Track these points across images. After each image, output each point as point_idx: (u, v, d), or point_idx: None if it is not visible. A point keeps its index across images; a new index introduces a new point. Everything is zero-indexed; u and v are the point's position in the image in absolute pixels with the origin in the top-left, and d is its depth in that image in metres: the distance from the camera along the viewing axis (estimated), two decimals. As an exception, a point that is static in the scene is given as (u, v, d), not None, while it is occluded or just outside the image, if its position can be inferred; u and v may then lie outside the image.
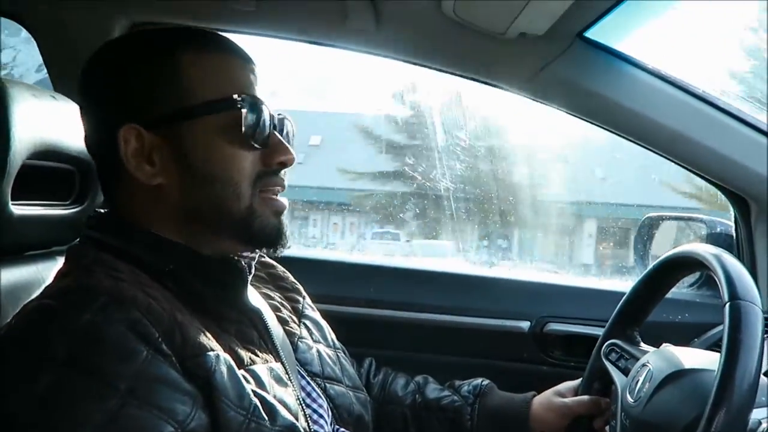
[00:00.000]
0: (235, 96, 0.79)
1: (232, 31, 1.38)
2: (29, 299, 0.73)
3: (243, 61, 0.84)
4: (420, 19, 1.28)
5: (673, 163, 1.36)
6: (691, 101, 1.28)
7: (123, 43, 0.88)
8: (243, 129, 0.78)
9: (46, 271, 0.96)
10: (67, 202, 1.02)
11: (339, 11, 1.27)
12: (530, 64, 1.31)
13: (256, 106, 0.80)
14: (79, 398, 0.62)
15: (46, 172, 0.95)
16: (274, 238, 0.84)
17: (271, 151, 0.82)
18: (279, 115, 0.86)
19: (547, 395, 1.15)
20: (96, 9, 1.38)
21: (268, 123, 0.81)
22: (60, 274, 0.79)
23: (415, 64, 1.44)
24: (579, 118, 1.39)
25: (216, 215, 0.80)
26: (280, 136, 0.84)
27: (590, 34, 1.26)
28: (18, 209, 0.87)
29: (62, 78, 1.44)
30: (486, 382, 1.18)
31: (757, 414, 0.76)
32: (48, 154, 0.91)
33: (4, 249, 0.92)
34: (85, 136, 0.85)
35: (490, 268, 2.07)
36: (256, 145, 0.80)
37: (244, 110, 0.78)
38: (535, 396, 1.15)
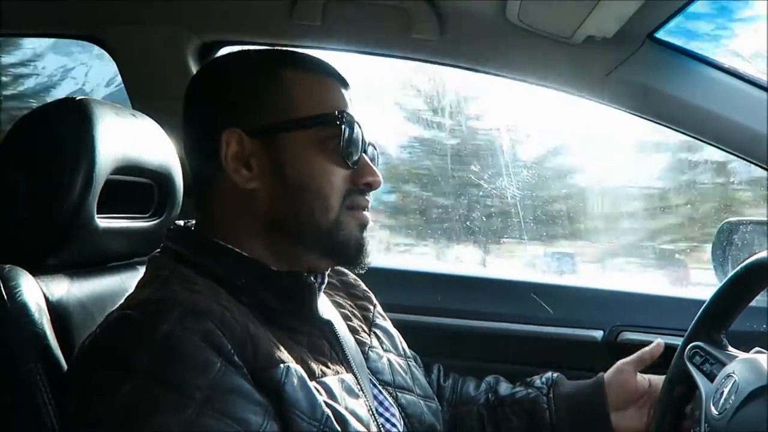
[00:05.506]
0: (336, 112, 0.83)
1: (299, 46, 1.40)
2: (113, 307, 0.76)
3: (341, 83, 0.88)
4: (484, 26, 1.27)
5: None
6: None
7: (230, 58, 0.95)
8: (341, 144, 0.82)
9: (128, 281, 0.99)
10: (147, 215, 1.06)
11: (403, 22, 1.28)
12: (598, 68, 1.28)
13: (353, 124, 0.84)
14: (157, 408, 0.64)
15: (128, 187, 0.99)
16: (355, 252, 0.85)
17: (361, 171, 0.85)
18: (369, 141, 0.89)
19: (617, 366, 1.13)
20: (170, 30, 1.45)
21: (360, 143, 0.85)
22: (140, 285, 0.82)
23: (479, 71, 1.43)
24: (650, 120, 1.35)
25: (302, 225, 0.83)
26: (368, 159, 0.87)
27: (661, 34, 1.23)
28: (103, 222, 0.91)
29: (140, 96, 1.50)
30: (556, 374, 1.16)
31: None
32: (129, 169, 0.95)
33: (91, 260, 0.97)
34: (185, 141, 0.90)
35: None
36: (348, 163, 0.84)
37: (343, 126, 0.82)
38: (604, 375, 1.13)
